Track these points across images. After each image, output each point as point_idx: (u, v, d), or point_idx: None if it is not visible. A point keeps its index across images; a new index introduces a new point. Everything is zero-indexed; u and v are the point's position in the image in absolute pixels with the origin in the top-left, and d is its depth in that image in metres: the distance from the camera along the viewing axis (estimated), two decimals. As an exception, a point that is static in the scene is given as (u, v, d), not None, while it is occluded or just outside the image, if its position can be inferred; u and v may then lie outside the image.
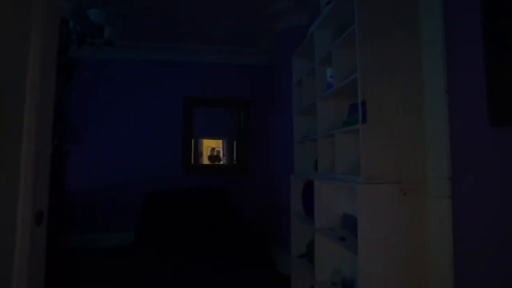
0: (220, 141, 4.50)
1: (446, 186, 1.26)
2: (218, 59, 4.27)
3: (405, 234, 1.39)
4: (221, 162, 4.45)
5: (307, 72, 2.23)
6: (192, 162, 4.23)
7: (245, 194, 4.15)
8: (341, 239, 1.59)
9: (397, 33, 1.47)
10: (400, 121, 1.45)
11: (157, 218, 3.62)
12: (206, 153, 4.41)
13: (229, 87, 4.27)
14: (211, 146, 4.45)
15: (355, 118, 1.60)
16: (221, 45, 4.16)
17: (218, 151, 4.45)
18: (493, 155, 1.09)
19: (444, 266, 1.30)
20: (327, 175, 1.80)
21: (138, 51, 4.09)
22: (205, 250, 3.44)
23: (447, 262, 1.28)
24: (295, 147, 2.49)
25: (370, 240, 1.34)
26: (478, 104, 1.13)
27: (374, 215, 1.37)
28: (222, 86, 4.26)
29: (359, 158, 1.61)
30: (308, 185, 2.35)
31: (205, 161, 4.38)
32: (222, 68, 4.28)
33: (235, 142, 4.38)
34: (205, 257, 3.39)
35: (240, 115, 4.32)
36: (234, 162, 4.36)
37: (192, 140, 4.25)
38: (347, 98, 1.88)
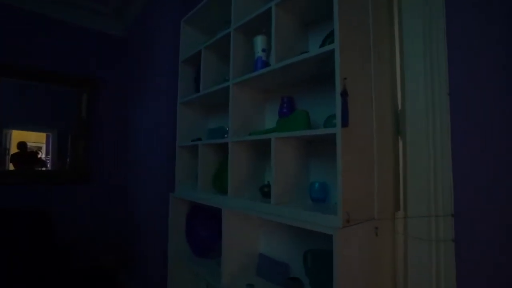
0: (44, 135, 2.95)
1: (447, 225, 0.87)
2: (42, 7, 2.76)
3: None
4: (43, 168, 2.93)
5: (211, 44, 1.49)
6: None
7: (83, 216, 2.85)
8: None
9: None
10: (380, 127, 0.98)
11: None
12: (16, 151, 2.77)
13: (63, 56, 2.85)
14: (26, 140, 2.84)
15: (299, 116, 1.03)
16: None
17: (39, 150, 2.89)
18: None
19: None
20: (253, 205, 1.12)
21: None
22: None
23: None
24: (177, 153, 1.68)
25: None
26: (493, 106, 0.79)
27: (350, 263, 0.83)
28: (51, 52, 2.79)
29: (297, 176, 1.07)
30: (196, 211, 1.61)
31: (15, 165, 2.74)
32: (50, 22, 2.80)
33: (70, 136, 2.97)
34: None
35: (80, 98, 2.96)
36: (67, 167, 2.94)
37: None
38: (282, 87, 1.29)
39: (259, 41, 1.16)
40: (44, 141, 2.96)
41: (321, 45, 1.11)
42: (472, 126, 0.88)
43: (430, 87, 0.96)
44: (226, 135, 1.46)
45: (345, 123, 0.85)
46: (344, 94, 0.86)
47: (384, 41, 1.07)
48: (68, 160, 2.95)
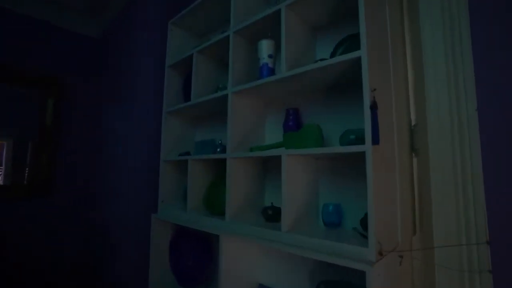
0: (-2, 143, 2.58)
1: (482, 253, 0.79)
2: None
3: None
4: (-4, 180, 2.55)
5: (204, 48, 1.35)
6: None
7: (42, 236, 2.50)
8: None
9: None
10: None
11: None
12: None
13: (23, 52, 2.54)
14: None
15: (311, 130, 0.91)
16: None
17: (-9, 161, 2.52)
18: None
19: None
20: (259, 232, 0.97)
21: None
22: None
23: None
24: (161, 169, 1.49)
25: None
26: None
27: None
28: (6, 46, 2.47)
29: (307, 197, 0.96)
30: (181, 234, 1.43)
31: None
32: (9, 14, 2.50)
33: (30, 145, 2.63)
34: None
35: (45, 102, 2.64)
36: (25, 180, 2.58)
37: None
38: (285, 97, 1.17)
39: (265, 46, 1.04)
40: (-1, 151, 2.59)
41: (333, 53, 1.01)
42: (504, 144, 0.81)
43: (456, 102, 0.89)
44: (218, 149, 1.31)
45: (376, 140, 0.74)
46: (374, 107, 0.75)
47: (399, 49, 1.00)
48: (27, 172, 2.60)
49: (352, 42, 0.99)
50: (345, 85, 1.01)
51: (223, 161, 1.36)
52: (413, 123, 1.02)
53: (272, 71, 1.04)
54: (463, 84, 0.88)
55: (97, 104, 2.79)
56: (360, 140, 0.90)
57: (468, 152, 0.85)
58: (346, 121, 1.01)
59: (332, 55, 1.02)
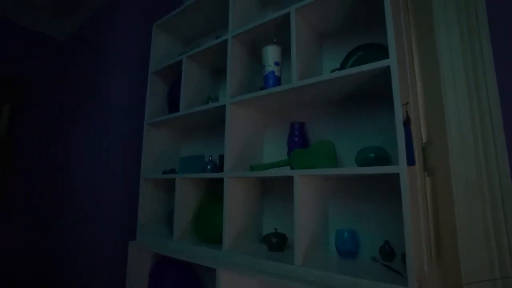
0: None
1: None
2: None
3: None
4: None
5: (196, 54, 1.21)
6: None
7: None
8: None
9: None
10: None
11: None
12: None
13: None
14: None
15: (324, 147, 0.81)
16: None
17: None
18: None
19: None
20: (267, 266, 0.83)
21: None
22: None
23: None
24: (141, 188, 1.30)
25: None
26: None
27: None
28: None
29: (319, 222, 0.85)
30: (164, 265, 1.25)
31: None
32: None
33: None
34: None
35: (1, 107, 2.32)
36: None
37: None
38: (288, 109, 1.07)
39: (271, 53, 0.93)
40: None
41: (344, 62, 0.93)
42: (535, 166, 0.75)
43: (479, 119, 0.83)
44: (209, 166, 1.16)
45: (411, 160, 0.65)
46: (407, 123, 0.66)
47: (409, 60, 0.94)
48: (-27, 190, 2.24)
49: (366, 51, 0.91)
50: (359, 98, 0.93)
51: (216, 180, 1.21)
52: (424, 140, 0.95)
53: (278, 80, 0.93)
54: (486, 100, 0.82)
55: (62, 111, 2.51)
56: (381, 159, 0.81)
57: (496, 172, 0.79)
58: (358, 137, 0.92)
59: (343, 65, 0.93)
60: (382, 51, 0.87)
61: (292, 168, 0.90)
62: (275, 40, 0.96)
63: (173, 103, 1.34)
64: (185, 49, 1.53)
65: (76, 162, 2.18)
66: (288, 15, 0.90)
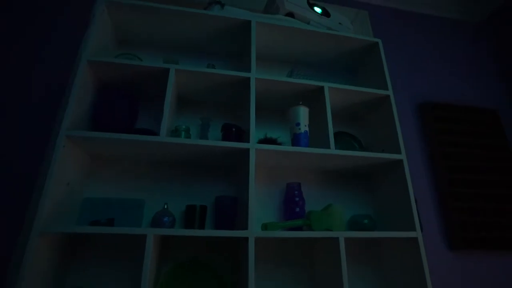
0: None
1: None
2: None
3: None
4: None
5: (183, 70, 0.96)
6: None
7: None
8: None
9: None
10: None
11: None
12: None
13: None
14: None
15: (336, 212, 0.96)
16: None
17: None
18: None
19: None
20: None
21: None
22: None
23: None
24: (29, 247, 0.71)
25: None
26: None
27: None
28: None
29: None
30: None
31: None
32: None
33: None
34: None
35: None
36: None
37: None
38: (285, 171, 1.09)
39: (303, 113, 0.98)
40: None
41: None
42: None
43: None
44: (165, 219, 0.86)
45: (422, 227, 0.93)
46: (416, 201, 0.96)
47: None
48: None
49: (349, 139, 1.19)
50: (352, 173, 1.15)
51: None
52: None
53: (308, 141, 0.97)
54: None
55: None
56: (373, 224, 1.02)
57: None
58: (346, 204, 1.12)
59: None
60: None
61: (312, 229, 0.91)
62: (301, 102, 1.01)
63: (104, 120, 0.89)
64: (118, 50, 1.12)
65: None
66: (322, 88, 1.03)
